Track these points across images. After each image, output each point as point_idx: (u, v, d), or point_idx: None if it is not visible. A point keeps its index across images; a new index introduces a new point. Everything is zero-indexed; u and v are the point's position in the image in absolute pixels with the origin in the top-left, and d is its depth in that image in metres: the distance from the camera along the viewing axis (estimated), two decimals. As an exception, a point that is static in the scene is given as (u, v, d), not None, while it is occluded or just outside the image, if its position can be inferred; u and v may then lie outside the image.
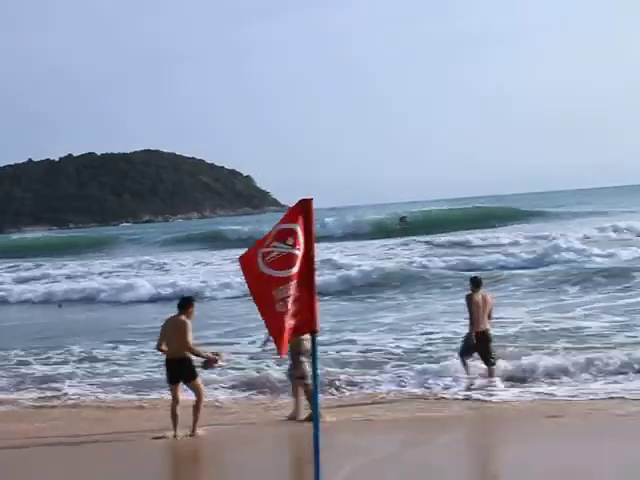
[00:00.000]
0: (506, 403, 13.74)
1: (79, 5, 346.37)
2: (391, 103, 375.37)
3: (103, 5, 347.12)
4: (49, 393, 16.40)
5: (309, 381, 12.68)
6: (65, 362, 19.32)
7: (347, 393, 15.07)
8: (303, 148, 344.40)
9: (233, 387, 15.91)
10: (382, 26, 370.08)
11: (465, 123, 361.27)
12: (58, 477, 10.96)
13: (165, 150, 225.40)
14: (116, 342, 21.48)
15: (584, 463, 9.97)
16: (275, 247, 7.23)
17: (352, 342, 19.31)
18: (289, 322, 7.19)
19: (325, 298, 25.61)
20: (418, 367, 15.98)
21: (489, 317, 15.08)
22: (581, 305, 22.58)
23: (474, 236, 44.37)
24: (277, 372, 15.86)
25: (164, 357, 12.60)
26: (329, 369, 16.05)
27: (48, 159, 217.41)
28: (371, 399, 14.51)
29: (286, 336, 7.23)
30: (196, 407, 12.36)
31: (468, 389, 14.58)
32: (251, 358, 17.95)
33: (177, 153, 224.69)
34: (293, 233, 7.23)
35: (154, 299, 31.87)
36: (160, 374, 14.63)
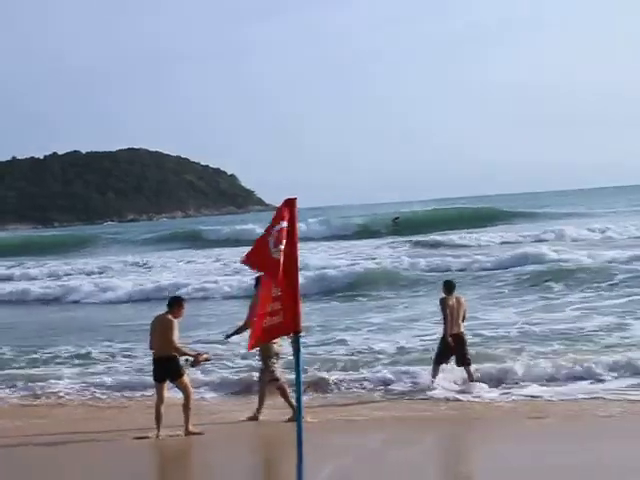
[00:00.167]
0: (489, 404, 13.81)
1: (79, 5, 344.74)
2: (391, 103, 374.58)
3: (103, 5, 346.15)
4: (32, 392, 16.30)
5: (281, 381, 13.00)
6: (50, 361, 19.21)
7: (333, 393, 15.09)
8: (303, 148, 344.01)
9: (218, 387, 15.88)
10: (382, 26, 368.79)
11: (465, 123, 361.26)
12: (40, 476, 10.93)
13: (151, 149, 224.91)
14: (98, 341, 21.38)
15: (567, 464, 10.01)
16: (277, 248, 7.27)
17: (341, 342, 19.22)
18: (267, 320, 7.28)
19: (310, 299, 25.63)
20: (403, 368, 16.01)
21: (463, 319, 15.21)
22: (567, 305, 22.64)
23: (458, 236, 44.75)
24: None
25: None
26: (315, 369, 16.04)
27: (32, 157, 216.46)
28: (357, 399, 14.55)
29: (259, 333, 7.34)
30: (186, 406, 12.36)
31: (429, 389, 14.65)
32: (236, 357, 17.91)
33: (162, 151, 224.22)
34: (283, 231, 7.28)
35: (134, 299, 31.82)
36: (144, 374, 14.59)
